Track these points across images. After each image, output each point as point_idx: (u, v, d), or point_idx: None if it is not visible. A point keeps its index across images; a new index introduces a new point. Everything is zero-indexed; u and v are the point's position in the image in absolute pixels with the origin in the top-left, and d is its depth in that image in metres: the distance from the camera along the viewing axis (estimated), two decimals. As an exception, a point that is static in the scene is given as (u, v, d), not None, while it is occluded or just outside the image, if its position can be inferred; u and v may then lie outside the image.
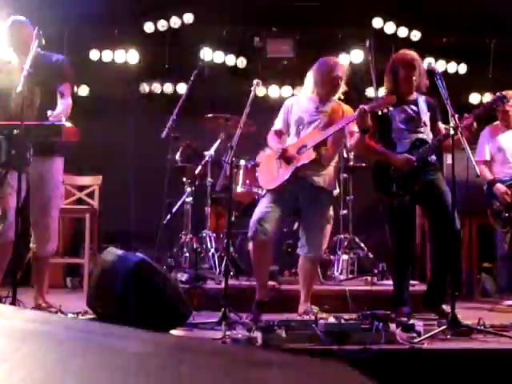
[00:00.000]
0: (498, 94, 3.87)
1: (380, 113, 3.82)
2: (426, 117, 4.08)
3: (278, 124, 4.22)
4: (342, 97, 4.20)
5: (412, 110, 4.07)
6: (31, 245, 4.05)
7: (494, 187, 4.91)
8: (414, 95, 4.12)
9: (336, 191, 4.26)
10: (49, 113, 3.66)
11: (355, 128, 3.95)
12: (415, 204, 4.23)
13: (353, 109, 4.02)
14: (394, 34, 6.67)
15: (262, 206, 4.03)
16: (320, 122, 4.03)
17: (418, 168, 3.97)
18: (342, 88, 4.12)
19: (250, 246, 4.04)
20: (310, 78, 4.16)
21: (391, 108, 3.88)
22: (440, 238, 3.94)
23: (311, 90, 4.15)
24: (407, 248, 4.09)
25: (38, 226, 4.00)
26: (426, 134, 4.05)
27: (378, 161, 4.14)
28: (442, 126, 4.13)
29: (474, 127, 3.78)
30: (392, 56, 4.25)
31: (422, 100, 4.11)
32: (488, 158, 5.10)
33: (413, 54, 4.11)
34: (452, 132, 3.62)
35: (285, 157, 4.00)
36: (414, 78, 4.03)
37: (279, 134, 4.21)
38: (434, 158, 4.08)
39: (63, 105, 3.90)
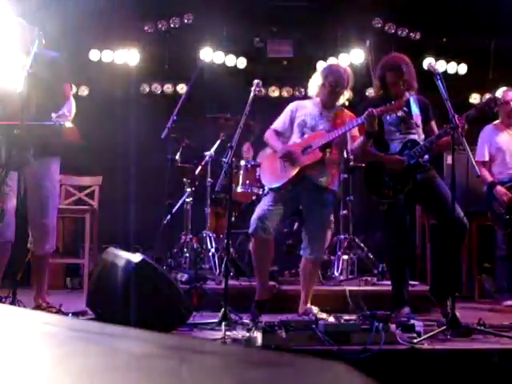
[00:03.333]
0: (490, 96, 3.84)
1: (388, 117, 3.82)
2: (417, 118, 4.07)
3: (277, 124, 4.21)
4: (347, 103, 4.21)
5: (403, 111, 4.06)
6: (29, 245, 4.05)
7: (493, 189, 4.91)
8: (406, 96, 4.10)
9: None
10: (53, 115, 3.66)
11: (357, 133, 3.96)
12: (414, 204, 4.22)
13: (353, 110, 4.03)
14: (394, 34, 6.67)
15: (264, 204, 4.04)
16: (323, 127, 4.03)
17: (409, 170, 3.97)
18: (347, 94, 4.12)
19: (251, 243, 4.05)
20: (314, 81, 4.16)
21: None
22: (445, 229, 3.89)
23: (315, 94, 4.16)
24: (402, 248, 4.08)
25: (37, 226, 4.00)
26: (418, 135, 4.04)
27: (370, 162, 4.15)
28: (434, 125, 4.12)
29: (465, 128, 3.75)
30: (381, 60, 4.23)
31: (412, 100, 4.08)
32: (487, 158, 5.10)
33: (400, 57, 4.07)
34: (452, 132, 3.61)
35: (290, 158, 3.99)
36: (401, 82, 4.01)
37: (278, 134, 4.20)
38: (426, 157, 4.06)
39: (68, 105, 3.91)
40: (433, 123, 4.13)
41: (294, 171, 3.97)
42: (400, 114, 4.05)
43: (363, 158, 4.28)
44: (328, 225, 4.07)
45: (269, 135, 4.20)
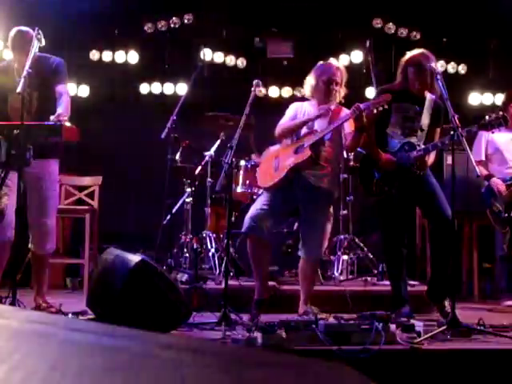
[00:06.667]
0: (496, 114, 3.73)
1: (375, 111, 3.80)
2: (425, 121, 4.04)
3: (285, 119, 4.18)
4: (343, 100, 4.20)
5: (414, 110, 4.04)
6: (29, 245, 4.05)
7: (490, 181, 4.92)
8: (425, 95, 4.05)
9: (335, 194, 4.24)
10: (51, 118, 3.67)
11: (351, 129, 3.95)
12: (410, 203, 4.23)
13: (349, 108, 4.02)
14: (394, 34, 6.67)
15: (257, 204, 4.07)
16: (319, 126, 4.03)
17: (399, 171, 3.96)
18: (342, 91, 4.11)
19: (247, 243, 4.07)
20: (308, 82, 4.16)
21: (391, 106, 3.88)
22: (438, 233, 3.93)
23: (310, 95, 4.16)
24: (399, 248, 4.08)
25: (36, 226, 4.00)
26: (419, 139, 4.02)
27: (364, 157, 4.16)
28: (437, 133, 4.09)
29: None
30: (407, 54, 4.16)
31: (429, 102, 4.03)
32: (483, 157, 5.10)
33: (425, 55, 4.00)
34: (452, 133, 3.61)
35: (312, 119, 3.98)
36: (422, 81, 3.95)
37: None
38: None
39: (63, 104, 3.91)
40: (437, 130, 4.10)
41: (286, 170, 3.98)
42: (411, 112, 4.03)
43: (365, 149, 4.26)
44: (325, 225, 4.03)
45: (279, 128, 4.15)
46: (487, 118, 3.70)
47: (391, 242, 4.10)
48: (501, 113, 3.73)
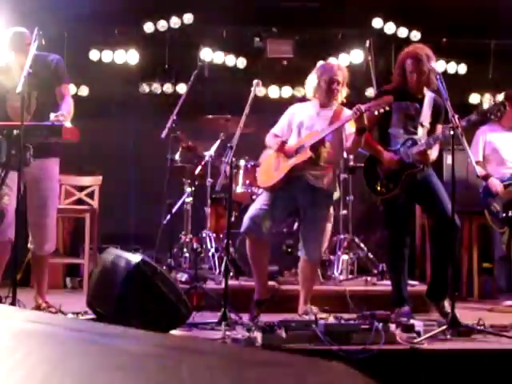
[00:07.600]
0: (497, 101, 3.76)
1: (376, 113, 3.80)
2: (426, 118, 4.05)
3: (276, 128, 4.23)
4: (345, 100, 4.19)
5: (415, 108, 4.05)
6: (29, 245, 4.05)
7: (487, 181, 4.92)
8: (424, 92, 4.06)
9: (337, 195, 4.24)
10: (51, 116, 3.67)
11: (352, 130, 3.95)
12: (414, 204, 4.23)
13: (351, 109, 4.02)
14: (394, 34, 6.66)
15: (257, 204, 4.06)
16: (319, 126, 4.03)
17: (403, 168, 3.96)
18: (344, 91, 4.11)
19: (247, 243, 4.07)
20: (309, 82, 4.16)
21: (391, 106, 3.87)
22: (440, 232, 3.93)
23: (312, 95, 4.16)
24: (402, 247, 4.08)
25: (36, 226, 4.00)
26: (422, 136, 4.03)
27: (369, 158, 4.16)
28: (439, 129, 4.10)
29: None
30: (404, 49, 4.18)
31: (428, 99, 4.04)
32: (481, 158, 5.10)
33: (423, 48, 4.02)
34: (452, 132, 3.61)
35: (283, 150, 4.00)
36: (420, 72, 3.95)
37: (276, 137, 4.21)
38: None
39: (66, 105, 3.92)
40: (438, 127, 4.10)
41: (286, 170, 3.98)
42: (411, 110, 4.03)
43: (367, 150, 4.27)
44: (324, 225, 4.03)
45: (268, 138, 4.22)
46: (486, 105, 3.72)
47: (395, 241, 4.10)
48: (499, 100, 3.74)
